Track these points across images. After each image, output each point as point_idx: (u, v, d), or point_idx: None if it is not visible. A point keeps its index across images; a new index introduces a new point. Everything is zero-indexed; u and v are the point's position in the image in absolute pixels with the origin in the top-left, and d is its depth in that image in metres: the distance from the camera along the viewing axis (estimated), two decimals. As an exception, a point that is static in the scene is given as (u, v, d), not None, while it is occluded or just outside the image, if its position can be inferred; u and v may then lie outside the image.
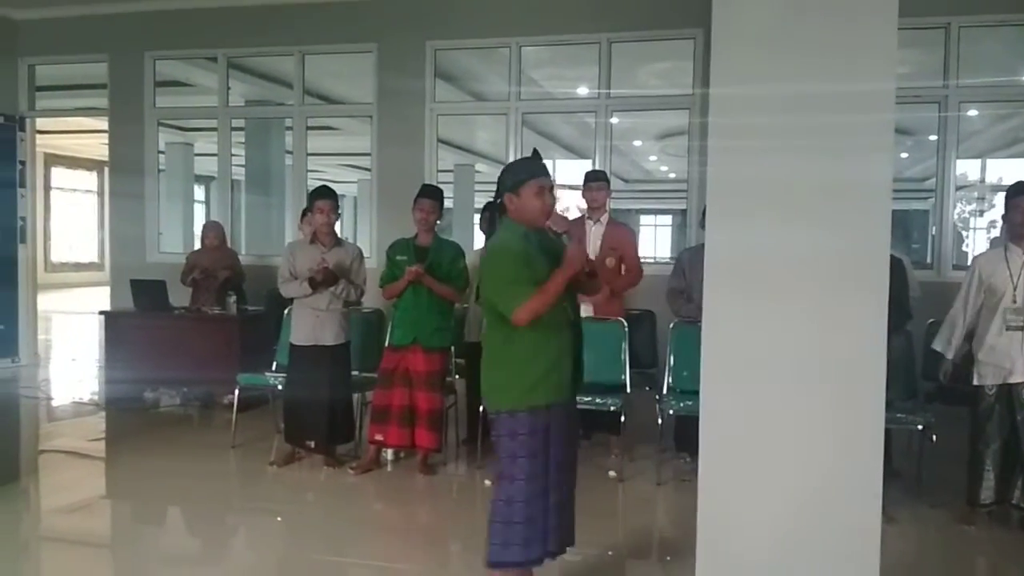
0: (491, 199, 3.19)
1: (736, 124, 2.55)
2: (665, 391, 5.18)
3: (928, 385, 5.25)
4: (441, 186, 5.84)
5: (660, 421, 5.09)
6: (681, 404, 4.95)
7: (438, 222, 5.24)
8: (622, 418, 5.05)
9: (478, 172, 17.39)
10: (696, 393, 4.90)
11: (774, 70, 2.53)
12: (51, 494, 4.95)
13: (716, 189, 2.61)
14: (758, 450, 2.59)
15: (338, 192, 5.42)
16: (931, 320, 5.61)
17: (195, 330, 6.76)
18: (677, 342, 5.24)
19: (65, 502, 4.75)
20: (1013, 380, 4.20)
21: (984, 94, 7.36)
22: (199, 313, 6.88)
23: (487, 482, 4.75)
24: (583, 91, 8.64)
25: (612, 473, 5.11)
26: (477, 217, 13.93)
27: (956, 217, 7.35)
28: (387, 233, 7.14)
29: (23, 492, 4.91)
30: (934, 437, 4.68)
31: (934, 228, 7.15)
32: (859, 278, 2.49)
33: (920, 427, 4.68)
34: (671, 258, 21.53)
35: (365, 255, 5.47)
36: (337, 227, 5.33)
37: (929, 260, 7.04)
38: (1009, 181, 8.67)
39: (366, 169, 18.16)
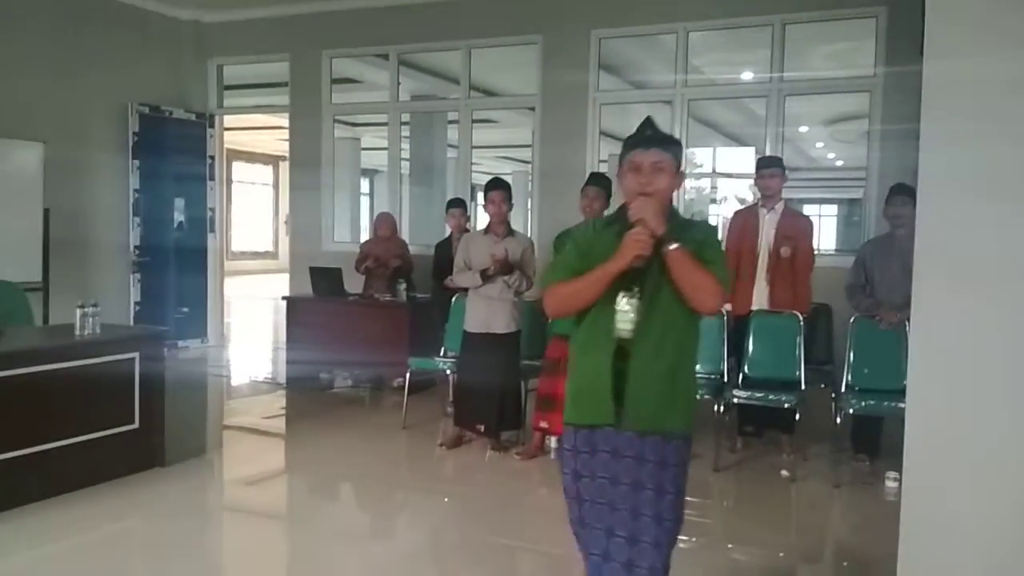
0: None
1: (951, 106, 2.38)
2: (843, 389, 4.94)
3: None
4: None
5: (837, 420, 4.87)
6: (861, 403, 4.72)
7: (604, 212, 5.22)
8: (796, 416, 4.87)
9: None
10: (877, 392, 4.77)
11: (994, 48, 2.33)
12: (234, 467, 5.31)
13: (928, 177, 2.44)
14: (970, 456, 2.41)
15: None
16: None
17: (368, 315, 7.06)
18: (857, 338, 4.98)
19: (246, 475, 5.09)
20: None
21: None
22: (372, 299, 7.17)
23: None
24: (748, 76, 8.36)
25: (784, 472, 4.93)
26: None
27: None
28: (548, 224, 7.20)
29: (208, 464, 5.29)
30: None
31: None
32: None
33: None
34: (836, 249, 20.51)
35: (535, 247, 5.52)
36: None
37: None
38: None
39: (522, 161, 18.39)
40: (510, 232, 5.32)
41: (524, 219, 7.97)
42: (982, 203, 2.37)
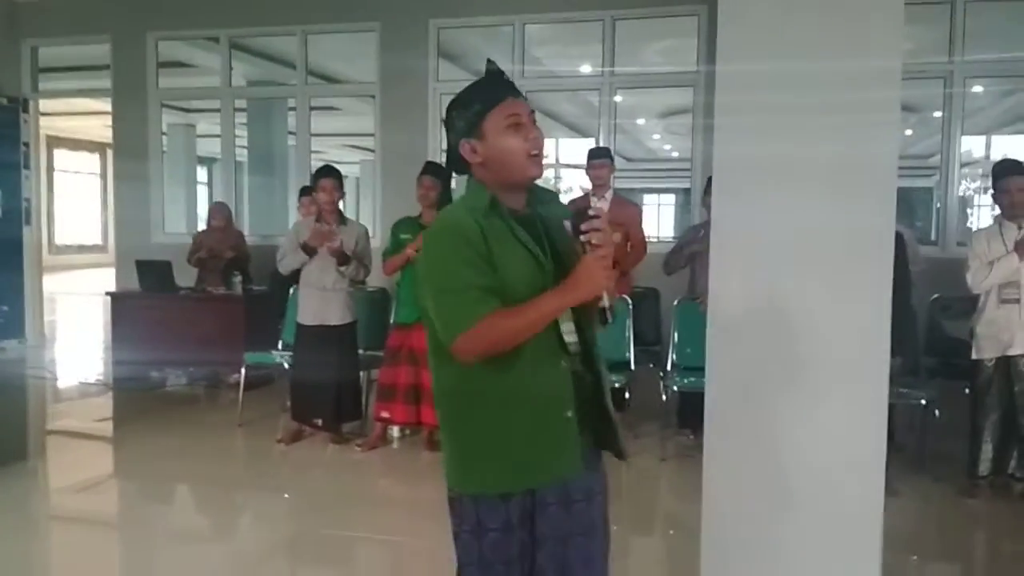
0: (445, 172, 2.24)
1: (742, 101, 2.55)
2: (669, 368, 5.21)
3: (930, 360, 5.27)
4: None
5: (664, 398, 5.12)
6: (685, 380, 4.99)
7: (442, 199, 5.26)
8: (627, 395, 5.09)
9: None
10: (699, 369, 5.00)
11: (780, 47, 2.52)
12: (59, 473, 5.00)
13: (722, 166, 2.62)
14: (762, 425, 2.62)
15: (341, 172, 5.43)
16: (935, 295, 5.64)
17: (201, 310, 6.80)
18: (681, 319, 5.27)
19: (73, 481, 4.80)
20: (1011, 352, 4.24)
21: (989, 70, 7.32)
22: (205, 293, 6.91)
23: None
24: (586, 69, 8.62)
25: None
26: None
27: (961, 194, 7.33)
28: (392, 213, 7.15)
29: (31, 472, 4.96)
30: (936, 412, 4.72)
31: (938, 204, 7.15)
32: (864, 254, 2.50)
33: (922, 402, 4.70)
34: (674, 237, 21.47)
35: (370, 235, 5.49)
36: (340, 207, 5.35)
37: (933, 237, 7.05)
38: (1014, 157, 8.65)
39: (369, 150, 18.16)
40: (343, 220, 5.26)
41: (372, 206, 7.91)
42: (770, 190, 2.57)
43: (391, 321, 5.30)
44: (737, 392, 2.63)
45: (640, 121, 15.40)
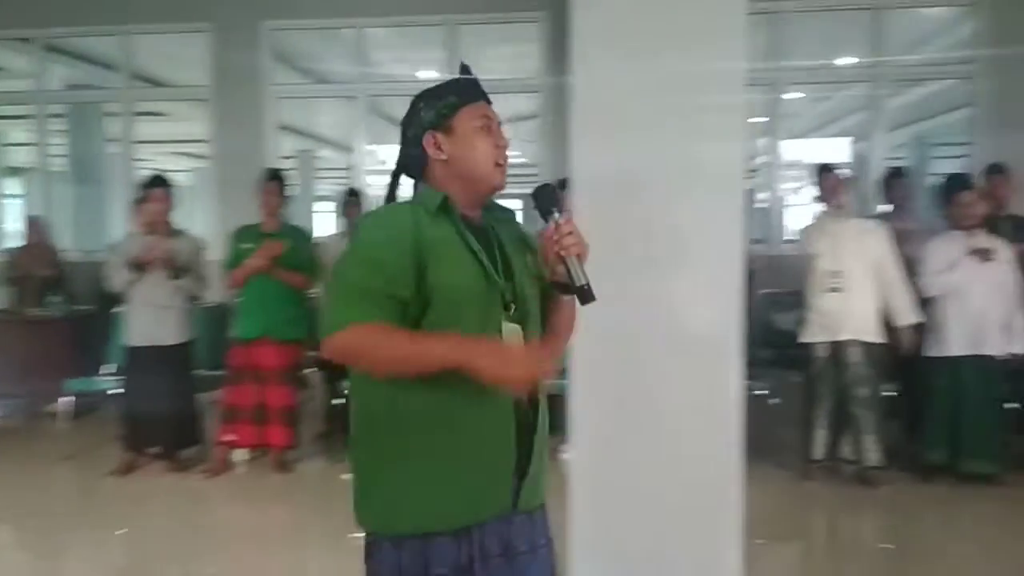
0: (393, 171, 1.81)
1: (595, 106, 2.57)
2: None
3: (765, 352, 5.54)
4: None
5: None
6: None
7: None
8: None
9: (320, 158, 16.92)
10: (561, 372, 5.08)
11: (632, 51, 2.56)
12: None
13: (579, 170, 2.62)
14: (624, 425, 2.64)
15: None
16: (765, 291, 5.94)
17: (15, 334, 6.21)
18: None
19: None
20: (840, 338, 4.51)
21: (805, 76, 7.80)
22: (20, 316, 6.31)
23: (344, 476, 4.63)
24: (432, 74, 8.53)
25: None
26: (322, 206, 13.54)
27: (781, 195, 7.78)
28: (230, 223, 6.80)
29: None
30: (775, 401, 4.97)
31: (764, 205, 7.54)
32: (716, 254, 2.56)
33: (761, 392, 4.94)
34: (522, 241, 21.63)
35: (206, 246, 5.17)
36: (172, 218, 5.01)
37: (760, 235, 7.42)
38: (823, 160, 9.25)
39: (200, 156, 17.28)
40: (174, 232, 4.93)
41: (207, 216, 7.48)
42: (625, 192, 2.58)
43: (232, 337, 5.01)
44: (598, 394, 2.65)
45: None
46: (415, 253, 1.57)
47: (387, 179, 1.78)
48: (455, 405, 1.58)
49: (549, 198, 1.67)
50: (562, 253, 1.63)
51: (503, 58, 8.59)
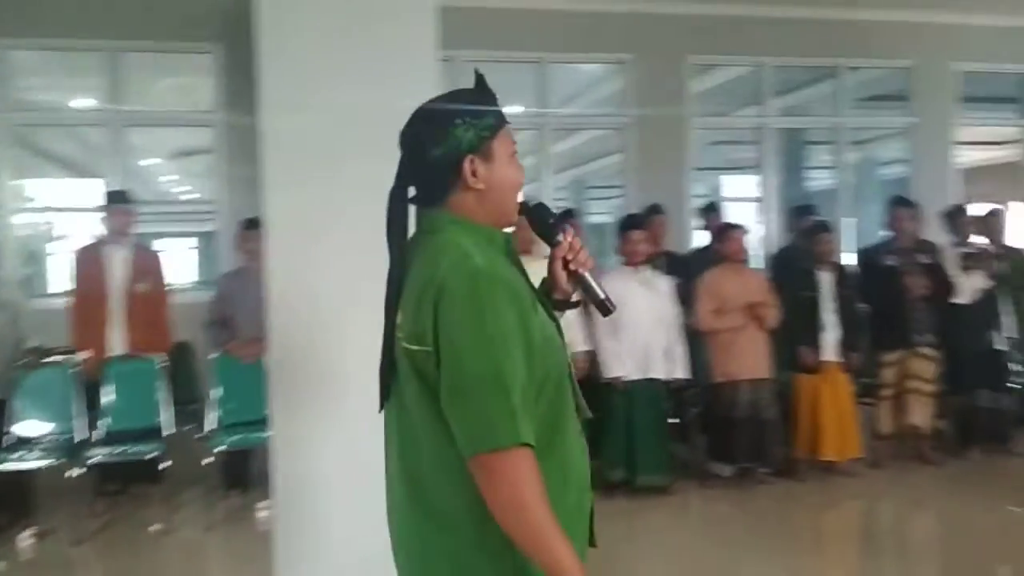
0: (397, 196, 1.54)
1: (286, 144, 2.46)
2: (213, 427, 4.83)
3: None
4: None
5: (208, 460, 4.74)
6: (231, 439, 4.68)
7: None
8: (162, 464, 4.62)
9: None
10: (248, 424, 4.78)
11: (320, 89, 2.49)
12: None
13: (273, 209, 2.49)
14: (334, 467, 2.53)
15: None
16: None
17: None
18: (221, 374, 4.93)
19: None
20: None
21: (573, 122, 8.33)
22: None
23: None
24: (87, 103, 7.72)
25: (156, 526, 4.61)
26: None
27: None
28: None
29: None
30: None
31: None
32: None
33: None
34: (197, 283, 20.46)
35: None
36: None
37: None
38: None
39: None
40: None
41: None
42: (323, 234, 2.50)
43: None
44: (304, 437, 2.51)
45: (155, 161, 14.38)
46: (531, 315, 1.39)
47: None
48: (567, 457, 1.47)
49: (549, 216, 1.57)
50: (579, 270, 1.55)
51: (173, 90, 8.03)
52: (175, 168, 15.31)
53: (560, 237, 1.56)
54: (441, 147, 1.45)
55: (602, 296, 1.59)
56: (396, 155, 2.45)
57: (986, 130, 10.01)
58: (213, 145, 6.84)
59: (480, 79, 1.54)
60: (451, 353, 1.32)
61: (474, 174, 1.45)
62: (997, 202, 6.73)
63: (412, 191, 1.51)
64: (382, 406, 1.50)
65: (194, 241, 25.25)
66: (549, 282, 1.58)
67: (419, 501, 1.43)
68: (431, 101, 1.51)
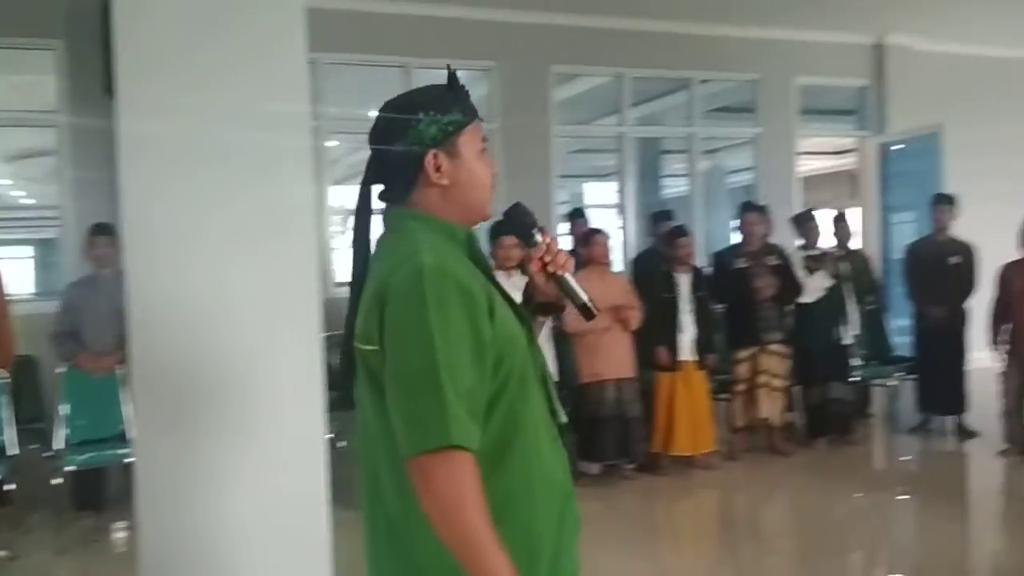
0: (363, 190, 1.50)
1: (146, 147, 2.36)
2: (60, 446, 4.54)
3: (330, 395, 5.57)
4: None
5: (56, 481, 4.46)
6: (81, 457, 4.41)
7: None
8: (6, 487, 4.30)
9: None
10: (99, 442, 4.52)
11: (184, 88, 2.40)
12: None
13: (132, 217, 2.37)
14: (198, 484, 2.44)
15: None
16: (323, 334, 6.00)
17: None
18: (69, 389, 4.64)
19: None
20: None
21: (345, 127, 8.13)
22: None
23: None
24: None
25: (2, 552, 4.29)
26: None
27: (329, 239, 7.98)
28: None
29: None
30: (340, 444, 5.04)
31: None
32: (290, 304, 2.51)
33: (329, 436, 4.97)
34: (36, 294, 19.13)
35: None
36: None
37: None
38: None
39: None
40: None
41: None
42: (189, 244, 2.41)
43: None
44: (169, 455, 2.41)
45: (-17, 164, 13.33)
46: (489, 314, 1.35)
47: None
48: (542, 466, 1.45)
49: (527, 217, 1.54)
50: (558, 272, 1.53)
51: (12, 88, 7.48)
52: (11, 172, 14.26)
53: (538, 238, 1.54)
54: (403, 141, 1.43)
55: (584, 299, 1.57)
56: (260, 157, 2.41)
57: (825, 141, 10.80)
58: (55, 147, 6.42)
59: (452, 76, 1.52)
60: (392, 351, 1.31)
61: (437, 169, 1.43)
62: (835, 208, 7.28)
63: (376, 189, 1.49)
64: (348, 406, 1.49)
65: (30, 249, 23.62)
66: (530, 284, 1.58)
67: (376, 502, 1.43)
68: (397, 97, 1.49)
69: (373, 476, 1.43)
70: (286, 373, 2.53)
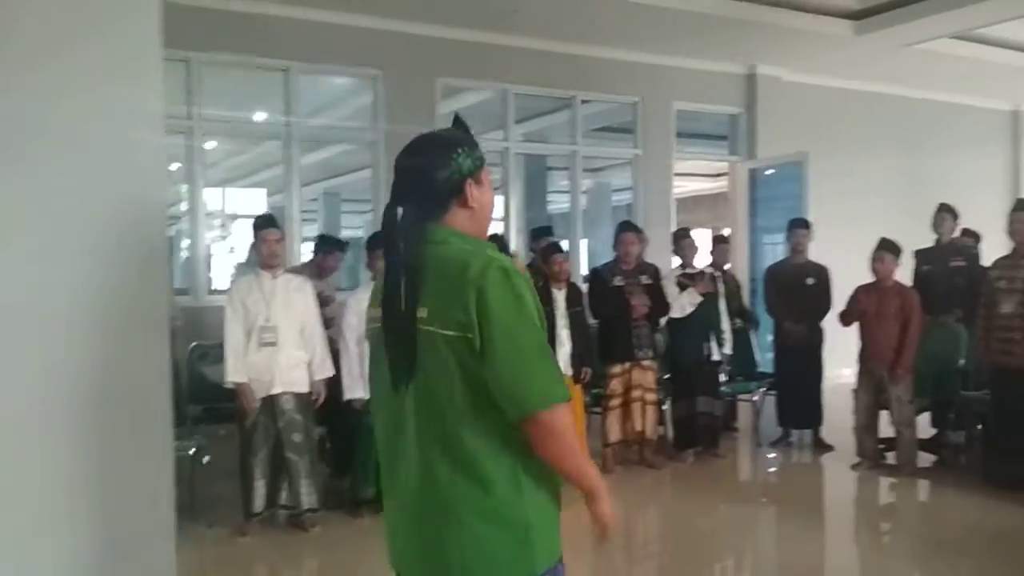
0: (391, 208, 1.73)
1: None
2: None
3: (195, 408, 5.36)
4: None
5: None
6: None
7: None
8: None
9: None
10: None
11: (20, 77, 2.24)
12: None
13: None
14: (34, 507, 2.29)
15: None
16: (194, 343, 5.76)
17: None
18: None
19: None
20: (273, 392, 4.57)
21: (223, 129, 7.85)
22: None
23: None
24: None
25: None
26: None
27: (207, 243, 7.67)
28: None
29: None
30: (206, 459, 4.85)
31: (186, 254, 7.33)
32: (139, 310, 2.39)
33: (192, 451, 4.77)
34: None
35: None
36: None
37: (184, 285, 7.18)
38: (249, 211, 9.47)
39: None
40: None
41: None
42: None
43: None
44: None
45: None
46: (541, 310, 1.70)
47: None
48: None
49: (500, 244, 1.63)
50: None
51: None
52: None
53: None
54: (445, 170, 1.72)
55: None
56: (104, 155, 2.25)
57: (702, 164, 11.23)
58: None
59: (458, 119, 1.83)
60: (503, 332, 1.59)
61: (471, 194, 1.74)
62: (711, 228, 7.58)
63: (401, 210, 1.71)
64: (396, 390, 1.67)
65: None
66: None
67: (458, 468, 1.65)
68: (430, 134, 1.81)
69: (426, 460, 1.66)
70: (132, 387, 2.39)
